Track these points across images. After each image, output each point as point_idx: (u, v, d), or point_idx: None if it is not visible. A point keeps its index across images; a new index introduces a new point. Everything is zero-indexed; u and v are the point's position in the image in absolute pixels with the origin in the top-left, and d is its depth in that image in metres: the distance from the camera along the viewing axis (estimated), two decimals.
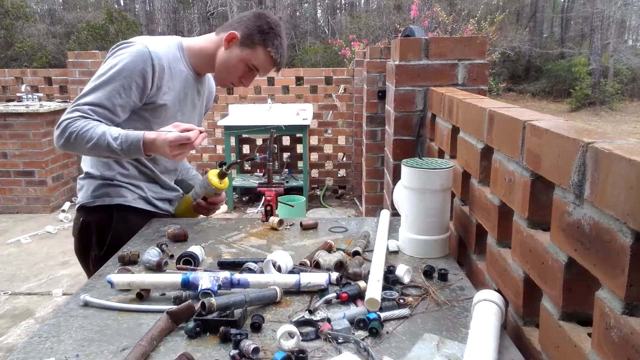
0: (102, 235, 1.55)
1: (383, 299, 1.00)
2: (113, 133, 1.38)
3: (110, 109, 1.42)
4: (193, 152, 5.76)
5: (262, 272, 1.14)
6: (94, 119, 1.40)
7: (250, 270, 1.15)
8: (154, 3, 19.27)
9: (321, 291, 1.06)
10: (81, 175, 1.60)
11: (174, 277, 1.06)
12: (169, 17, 18.04)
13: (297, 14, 21.45)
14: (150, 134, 1.38)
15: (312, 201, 5.48)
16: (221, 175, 1.61)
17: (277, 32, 1.51)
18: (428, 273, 1.16)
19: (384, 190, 2.24)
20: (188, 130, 1.38)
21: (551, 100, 16.81)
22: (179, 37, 1.61)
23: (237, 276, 1.06)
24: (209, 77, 1.76)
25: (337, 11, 23.50)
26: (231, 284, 1.05)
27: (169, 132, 1.37)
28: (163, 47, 1.50)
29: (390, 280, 1.11)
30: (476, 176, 1.21)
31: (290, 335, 0.86)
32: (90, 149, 1.38)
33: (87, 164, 1.59)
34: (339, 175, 5.91)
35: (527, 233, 0.91)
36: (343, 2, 23.99)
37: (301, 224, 1.53)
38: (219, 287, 1.04)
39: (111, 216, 1.55)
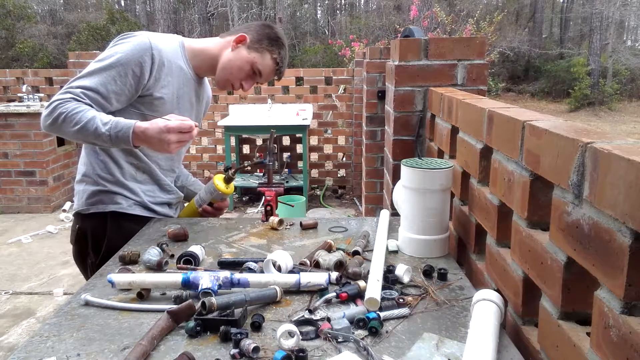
0: (97, 242, 1.54)
1: (383, 299, 1.01)
2: (103, 118, 1.35)
3: (104, 94, 1.40)
4: (192, 151, 5.76)
5: (262, 271, 1.14)
6: (86, 103, 1.38)
7: (250, 270, 1.16)
8: (155, 4, 19.28)
9: (321, 291, 1.06)
10: (77, 179, 1.58)
11: (174, 276, 1.06)
12: (169, 18, 18.04)
13: (298, 14, 21.46)
14: (142, 123, 1.36)
15: (312, 201, 5.48)
16: (227, 180, 1.61)
17: (283, 42, 1.59)
18: (427, 273, 1.17)
19: (383, 190, 2.24)
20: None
21: (550, 101, 16.82)
22: (181, 36, 1.62)
23: (237, 276, 1.07)
24: (207, 84, 1.76)
25: (337, 12, 23.51)
26: (231, 284, 1.05)
27: (168, 119, 1.36)
28: (165, 42, 1.51)
29: (389, 279, 1.12)
30: (475, 176, 1.21)
31: (290, 334, 0.87)
32: (77, 132, 1.35)
33: (82, 162, 1.58)
34: (338, 175, 5.92)
35: (527, 233, 0.91)
36: (343, 2, 24.00)
37: (301, 224, 1.53)
38: (219, 286, 1.04)
39: (106, 223, 1.53)
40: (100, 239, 1.54)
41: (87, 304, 1.04)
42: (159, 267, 1.19)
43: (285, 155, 5.65)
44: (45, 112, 1.38)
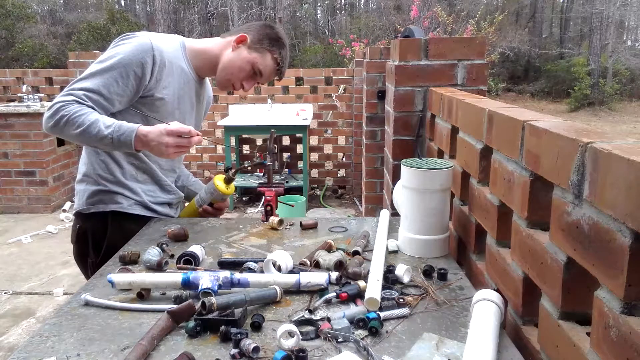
0: (97, 242, 1.54)
1: (383, 299, 1.01)
2: (106, 121, 1.35)
3: (106, 96, 1.40)
4: (193, 151, 5.76)
5: (262, 271, 1.14)
6: (88, 105, 1.38)
7: (251, 270, 1.16)
8: (155, 4, 19.29)
9: (321, 291, 1.06)
10: (78, 178, 1.58)
11: (174, 276, 1.06)
12: (169, 18, 18.06)
13: (297, 14, 21.46)
14: (144, 127, 1.36)
15: (312, 201, 5.48)
16: (227, 181, 1.61)
17: (284, 43, 1.58)
18: (427, 273, 1.17)
19: (383, 190, 2.24)
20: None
21: (550, 101, 16.82)
22: (182, 37, 1.62)
23: (237, 276, 1.07)
24: (208, 84, 1.76)
25: (337, 12, 23.51)
26: (231, 284, 1.05)
27: (167, 124, 1.36)
28: (166, 42, 1.51)
29: (389, 279, 1.12)
30: (475, 176, 1.21)
31: (290, 334, 0.87)
32: (79, 134, 1.35)
33: (83, 162, 1.57)
34: (339, 175, 5.92)
35: (527, 233, 0.91)
36: (343, 2, 24.00)
37: (301, 224, 1.53)
38: (219, 286, 1.04)
39: (106, 223, 1.54)
40: (100, 238, 1.54)
41: (87, 304, 1.04)
42: (159, 267, 1.19)
43: (285, 155, 5.65)
44: (47, 114, 1.38)
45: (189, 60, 1.57)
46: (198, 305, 0.95)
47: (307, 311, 0.97)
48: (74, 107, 1.36)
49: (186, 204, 1.76)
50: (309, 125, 5.22)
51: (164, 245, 1.32)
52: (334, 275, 1.11)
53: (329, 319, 0.94)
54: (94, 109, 1.39)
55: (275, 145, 5.64)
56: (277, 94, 5.66)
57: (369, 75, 3.64)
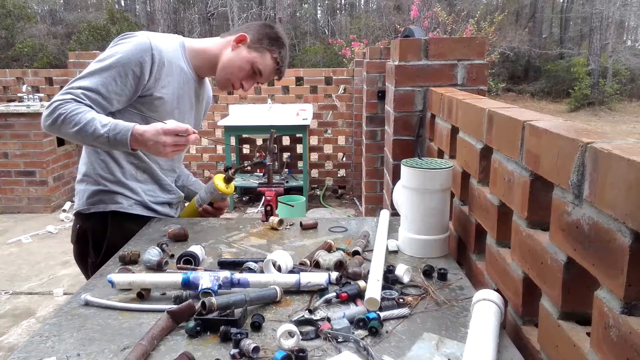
0: (98, 242, 1.54)
1: (383, 299, 1.01)
2: (102, 120, 1.35)
3: (104, 95, 1.40)
4: (192, 151, 5.76)
5: (262, 271, 1.14)
6: (86, 104, 1.38)
7: (251, 270, 1.16)
8: (155, 4, 19.29)
9: (321, 291, 1.06)
10: (78, 178, 1.58)
11: (174, 276, 1.06)
12: (169, 18, 18.07)
13: (297, 14, 21.46)
14: (141, 126, 1.35)
15: (312, 201, 5.48)
16: (227, 180, 1.61)
17: (284, 42, 1.58)
18: (427, 273, 1.17)
19: (383, 190, 2.24)
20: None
21: (550, 101, 16.82)
22: (182, 36, 1.62)
23: (237, 276, 1.07)
24: (207, 84, 1.76)
25: (337, 12, 23.51)
26: (231, 284, 1.05)
27: (164, 123, 1.36)
28: (165, 42, 1.51)
29: (389, 279, 1.12)
30: (475, 176, 1.21)
31: (290, 334, 0.87)
32: (76, 133, 1.35)
33: (83, 162, 1.57)
34: (339, 175, 5.92)
35: (527, 233, 0.91)
36: (343, 2, 24.00)
37: (301, 224, 1.53)
38: (219, 286, 1.04)
39: (106, 223, 1.54)
40: (100, 238, 1.54)
41: (87, 304, 1.04)
42: (159, 267, 1.19)
43: (285, 155, 5.65)
44: (45, 112, 1.38)
45: (189, 60, 1.57)
46: (198, 305, 0.95)
47: (307, 311, 0.97)
48: (72, 105, 1.36)
49: (186, 204, 1.76)
50: (309, 125, 5.22)
51: (164, 245, 1.32)
52: (334, 275, 1.11)
53: (329, 319, 0.94)
54: (92, 108, 1.39)
55: (275, 145, 5.63)
56: (277, 94, 5.66)
57: (369, 75, 3.64)
